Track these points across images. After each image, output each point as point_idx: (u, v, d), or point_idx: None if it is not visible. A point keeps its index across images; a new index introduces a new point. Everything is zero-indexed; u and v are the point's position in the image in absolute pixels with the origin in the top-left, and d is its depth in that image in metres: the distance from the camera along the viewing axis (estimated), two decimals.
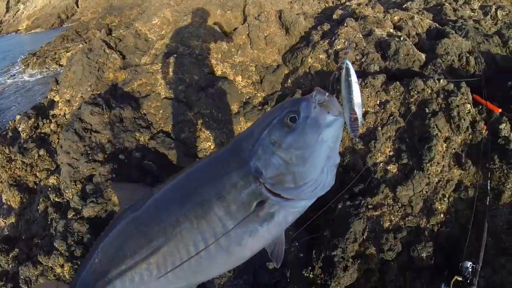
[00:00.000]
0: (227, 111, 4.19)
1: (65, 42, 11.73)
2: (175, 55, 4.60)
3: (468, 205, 3.45)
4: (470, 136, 3.73)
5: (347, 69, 0.88)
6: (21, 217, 4.67)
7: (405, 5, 5.68)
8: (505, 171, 3.51)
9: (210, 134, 4.16)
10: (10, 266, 3.97)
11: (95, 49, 5.55)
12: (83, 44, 9.61)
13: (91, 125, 4.42)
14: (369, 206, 3.24)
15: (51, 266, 3.51)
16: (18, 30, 27.75)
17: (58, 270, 3.47)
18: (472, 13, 5.94)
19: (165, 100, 4.39)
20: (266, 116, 0.99)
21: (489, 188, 3.38)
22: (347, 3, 5.74)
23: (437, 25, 5.08)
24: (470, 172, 3.56)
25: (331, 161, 0.94)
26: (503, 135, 3.77)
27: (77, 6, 19.49)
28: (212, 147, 4.10)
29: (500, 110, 3.94)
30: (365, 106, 3.67)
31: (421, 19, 4.93)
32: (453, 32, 4.85)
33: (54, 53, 11.43)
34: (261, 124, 0.96)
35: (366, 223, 3.17)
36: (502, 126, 3.78)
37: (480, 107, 3.92)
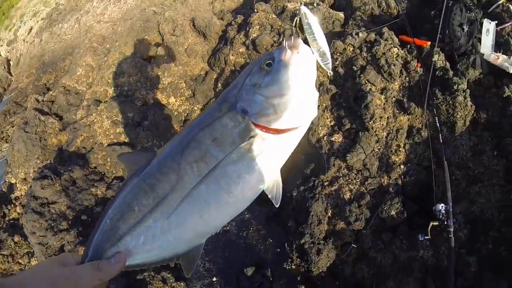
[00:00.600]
0: (168, 135, 4.10)
1: (8, 117, 11.42)
2: (105, 100, 4.49)
3: (426, 146, 3.38)
4: (406, 78, 3.65)
5: (304, 14, 1.02)
6: None
7: None
8: (450, 101, 3.44)
9: None
10: None
11: (30, 120, 5.42)
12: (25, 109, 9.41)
13: (46, 199, 4.33)
14: (325, 184, 3.15)
15: None
16: None
17: None
18: None
19: (109, 147, 4.29)
20: (247, 68, 1.11)
21: (438, 124, 3.30)
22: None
23: None
24: (417, 114, 3.48)
25: (309, 93, 1.05)
26: (439, 66, 3.70)
27: (11, 75, 19.10)
28: None
29: (428, 42, 3.86)
30: None
31: None
32: None
33: (0, 131, 11.15)
34: (243, 75, 1.09)
35: (326, 201, 3.08)
36: (436, 57, 3.70)
37: (409, 46, 3.84)
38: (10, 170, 5.75)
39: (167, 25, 4.89)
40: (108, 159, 4.34)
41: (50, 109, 5.46)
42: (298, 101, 1.03)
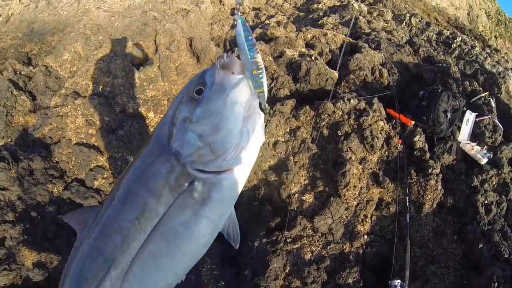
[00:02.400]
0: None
1: None
2: (84, 96, 4.32)
3: (392, 220, 3.49)
4: (386, 152, 3.77)
5: (239, 27, 0.84)
6: None
7: (321, 21, 5.75)
8: (423, 183, 3.59)
9: None
10: None
11: (2, 91, 5.12)
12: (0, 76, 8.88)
13: None
14: (288, 240, 3.16)
15: None
16: None
17: None
18: (386, 24, 6.15)
19: (76, 146, 4.10)
20: (176, 98, 0.97)
21: (408, 203, 3.43)
22: (267, 21, 5.72)
23: (351, 39, 5.17)
24: (389, 189, 3.59)
25: (251, 120, 0.88)
26: (418, 147, 3.86)
27: None
28: None
29: (413, 122, 4.04)
30: (274, 136, 3.60)
31: (334, 34, 4.99)
32: (366, 45, 4.96)
33: None
34: (173, 105, 0.94)
35: (286, 257, 3.08)
36: (416, 138, 3.87)
37: (394, 121, 3.99)
38: None
39: (165, 37, 4.82)
40: (73, 158, 4.14)
41: (25, 86, 5.18)
42: (240, 135, 0.88)
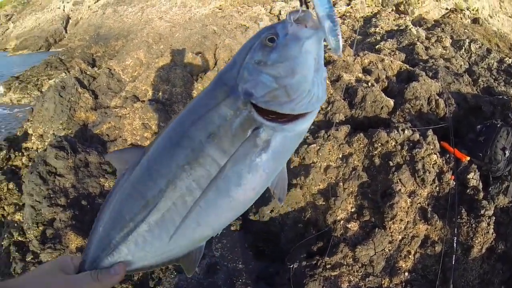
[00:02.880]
0: None
1: (49, 69, 11.64)
2: (143, 100, 4.56)
3: (436, 260, 3.35)
4: (437, 188, 3.65)
5: None
6: None
7: (378, 45, 5.69)
8: (473, 225, 3.43)
9: None
10: None
11: (68, 87, 5.51)
12: (65, 73, 9.55)
13: (55, 169, 4.35)
14: (327, 266, 3.13)
15: None
16: (6, 48, 27.71)
17: None
18: (444, 51, 5.98)
19: (131, 146, 4.34)
20: (245, 45, 0.93)
21: (455, 244, 3.29)
22: (324, 43, 5.74)
23: (408, 66, 5.08)
24: (437, 227, 3.47)
25: (320, 73, 0.88)
26: (471, 185, 3.70)
27: (66, 32, 19.53)
28: None
29: (468, 158, 3.88)
30: (327, 161, 3.60)
31: (391, 61, 4.93)
32: (423, 73, 4.85)
33: (36, 79, 11.32)
34: (241, 52, 0.90)
35: (323, 283, 3.05)
36: (471, 175, 3.72)
37: (448, 155, 3.86)
38: (31, 120, 5.83)
39: (224, 52, 4.99)
40: None
41: (89, 85, 5.55)
42: (312, 84, 0.87)
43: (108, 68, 5.54)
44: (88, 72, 5.94)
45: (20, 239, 4.18)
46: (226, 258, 3.91)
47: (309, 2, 0.90)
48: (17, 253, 3.89)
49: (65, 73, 10.57)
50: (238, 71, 0.89)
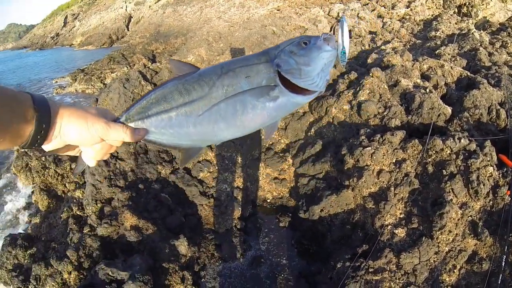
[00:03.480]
0: (247, 155, 4.26)
1: (111, 63, 12.52)
2: None
3: (482, 279, 3.26)
4: (491, 202, 3.54)
5: (342, 22, 1.34)
6: (45, 220, 5.02)
7: (438, 50, 5.52)
8: None
9: (227, 177, 4.28)
10: (26, 261, 4.22)
11: (132, 79, 5.92)
12: (127, 67, 10.20)
13: (117, 153, 4.74)
14: (370, 270, 3.17)
15: (60, 271, 3.73)
16: (72, 44, 30.01)
17: (65, 275, 3.70)
18: (509, 57, 5.65)
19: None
20: (288, 40, 1.38)
21: (503, 263, 3.18)
22: (383, 47, 5.68)
23: (468, 73, 4.89)
24: (487, 243, 3.37)
25: (324, 74, 1.33)
26: None
27: (128, 29, 20.71)
28: (228, 189, 4.21)
29: None
30: (380, 164, 3.62)
31: (451, 67, 4.77)
32: (484, 81, 4.66)
33: (100, 72, 12.23)
34: (284, 43, 1.36)
35: (364, 286, 3.10)
36: None
37: (506, 169, 3.72)
38: None
39: None
40: None
41: (152, 78, 5.92)
42: (318, 76, 1.31)
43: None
44: (150, 67, 6.34)
45: (78, 213, 4.58)
46: (271, 253, 4.06)
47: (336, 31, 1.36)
48: (74, 225, 4.29)
49: (127, 67, 11.32)
50: (278, 52, 1.34)
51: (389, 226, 3.37)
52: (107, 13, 27.63)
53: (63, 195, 5.59)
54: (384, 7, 11.03)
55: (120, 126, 1.21)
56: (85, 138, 1.07)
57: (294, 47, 1.35)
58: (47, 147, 1.02)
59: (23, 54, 32.97)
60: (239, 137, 1.49)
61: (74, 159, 5.64)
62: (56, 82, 14.34)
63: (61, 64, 19.95)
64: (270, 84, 1.34)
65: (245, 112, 1.34)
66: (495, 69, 5.34)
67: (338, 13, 8.39)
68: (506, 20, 9.80)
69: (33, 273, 3.87)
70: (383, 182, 3.63)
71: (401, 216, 3.45)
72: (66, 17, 39.79)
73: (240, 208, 4.26)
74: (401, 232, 3.35)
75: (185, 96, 1.33)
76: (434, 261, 3.23)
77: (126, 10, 24.39)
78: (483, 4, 12.53)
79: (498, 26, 9.05)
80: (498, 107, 4.46)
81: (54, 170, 5.70)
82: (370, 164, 3.72)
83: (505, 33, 8.00)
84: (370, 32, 7.11)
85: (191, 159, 1.47)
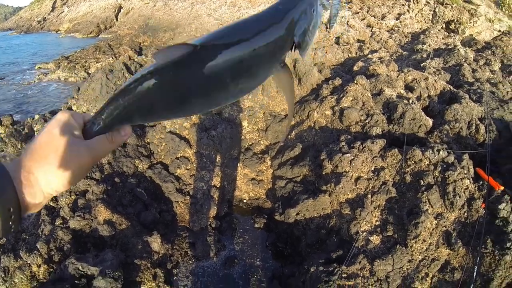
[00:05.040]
0: (226, 155, 4.22)
1: (97, 52, 12.28)
2: None
3: (453, 287, 3.30)
4: (465, 214, 3.59)
5: None
6: None
7: (423, 63, 5.60)
8: (497, 257, 3.35)
9: (204, 175, 4.22)
10: None
11: (116, 71, 5.80)
12: (112, 58, 10.02)
13: None
14: (343, 275, 3.16)
15: (29, 263, 3.61)
16: (59, 30, 29.36)
17: (35, 268, 3.58)
18: (492, 75, 5.78)
19: (169, 134, 4.50)
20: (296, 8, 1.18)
21: (475, 273, 3.22)
22: (369, 56, 5.73)
23: (451, 87, 4.97)
24: (459, 253, 3.41)
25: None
26: (501, 216, 3.61)
27: (116, 20, 20.37)
28: (204, 187, 4.15)
29: (502, 187, 3.78)
30: (358, 171, 3.63)
31: (435, 80, 4.84)
32: (466, 96, 4.74)
33: (85, 60, 11.97)
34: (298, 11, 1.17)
35: None
36: (502, 206, 3.62)
37: (482, 182, 3.77)
38: (77, 98, 6.18)
39: None
40: (163, 144, 4.56)
41: (136, 71, 5.81)
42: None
43: None
44: (135, 59, 6.22)
45: (51, 204, 4.46)
46: (245, 253, 4.02)
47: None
48: (47, 217, 4.15)
49: (112, 58, 11.11)
50: (301, 23, 1.16)
51: (365, 233, 3.38)
52: (97, 1, 27.18)
53: None
54: (374, 17, 11.17)
55: (103, 138, 0.96)
56: (74, 179, 0.82)
57: (309, 19, 1.20)
58: (35, 210, 0.79)
59: (8, 37, 32.09)
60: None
61: None
62: (39, 68, 13.98)
63: (45, 49, 19.47)
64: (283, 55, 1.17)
65: (258, 71, 1.14)
66: (478, 85, 5.45)
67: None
68: (491, 39, 10.05)
69: (1, 265, 3.73)
70: (361, 189, 3.64)
71: (377, 223, 3.46)
72: (55, 2, 38.89)
73: (216, 207, 4.21)
74: (376, 239, 3.36)
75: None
76: (407, 269, 3.24)
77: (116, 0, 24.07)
78: (470, 22, 12.85)
79: (484, 44, 9.28)
80: (478, 122, 4.54)
81: None
82: (349, 171, 3.72)
83: (489, 51, 8.20)
84: (358, 40, 7.17)
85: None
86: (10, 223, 0.71)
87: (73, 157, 0.80)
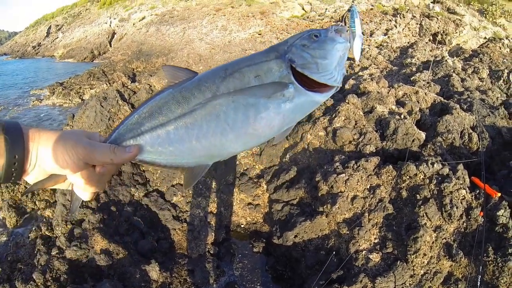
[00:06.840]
0: (221, 180, 4.21)
1: (91, 79, 12.38)
2: None
3: None
4: (464, 224, 3.57)
5: (352, 11, 1.26)
6: (13, 238, 4.80)
7: (413, 77, 5.68)
8: (500, 264, 3.31)
9: (201, 201, 4.20)
10: None
11: (109, 98, 5.84)
12: (106, 84, 10.10)
13: None
14: None
15: None
16: (53, 55, 29.69)
17: None
18: (480, 83, 5.86)
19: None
20: (295, 35, 1.24)
21: (478, 283, 3.18)
22: (360, 73, 5.81)
23: (442, 99, 5.03)
24: (461, 264, 3.38)
25: (340, 67, 1.20)
26: (500, 222, 3.59)
27: (110, 45, 20.66)
28: (201, 214, 4.12)
29: (499, 194, 3.77)
30: (354, 191, 3.63)
31: (425, 93, 4.90)
32: (457, 106, 4.79)
33: (79, 87, 12.06)
34: (293, 37, 1.22)
35: None
36: (500, 212, 3.60)
37: (478, 191, 3.77)
38: (71, 125, 6.18)
39: None
40: (159, 171, 4.55)
41: (129, 98, 5.86)
42: (334, 69, 1.18)
43: (149, 84, 5.83)
44: (129, 86, 6.28)
45: (47, 233, 4.41)
46: (245, 278, 3.96)
47: (346, 22, 1.29)
48: (42, 246, 4.10)
49: (106, 84, 11.20)
50: (289, 46, 1.21)
51: (364, 251, 3.34)
52: (91, 27, 27.62)
53: (32, 213, 5.37)
54: (363, 34, 11.40)
55: (107, 145, 1.03)
56: (63, 162, 0.89)
57: (305, 40, 1.21)
58: (28, 179, 0.89)
59: (3, 62, 32.35)
60: (252, 148, 1.32)
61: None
62: (34, 93, 14.06)
63: (40, 75, 19.58)
64: (284, 81, 1.17)
65: (258, 118, 1.15)
66: (467, 94, 5.52)
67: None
68: (478, 47, 10.24)
69: None
70: (357, 208, 3.63)
71: (376, 241, 3.43)
72: (49, 27, 39.40)
73: (213, 233, 4.17)
74: (376, 257, 3.32)
75: (184, 105, 1.14)
76: (409, 284, 3.20)
77: (110, 25, 24.43)
78: (456, 32, 13.11)
79: (471, 52, 9.43)
80: (470, 131, 4.57)
81: (25, 186, 5.50)
82: (344, 191, 3.72)
83: (477, 59, 8.33)
84: (349, 58, 7.30)
85: (197, 180, 1.27)
86: (13, 170, 0.81)
87: (69, 148, 0.88)
